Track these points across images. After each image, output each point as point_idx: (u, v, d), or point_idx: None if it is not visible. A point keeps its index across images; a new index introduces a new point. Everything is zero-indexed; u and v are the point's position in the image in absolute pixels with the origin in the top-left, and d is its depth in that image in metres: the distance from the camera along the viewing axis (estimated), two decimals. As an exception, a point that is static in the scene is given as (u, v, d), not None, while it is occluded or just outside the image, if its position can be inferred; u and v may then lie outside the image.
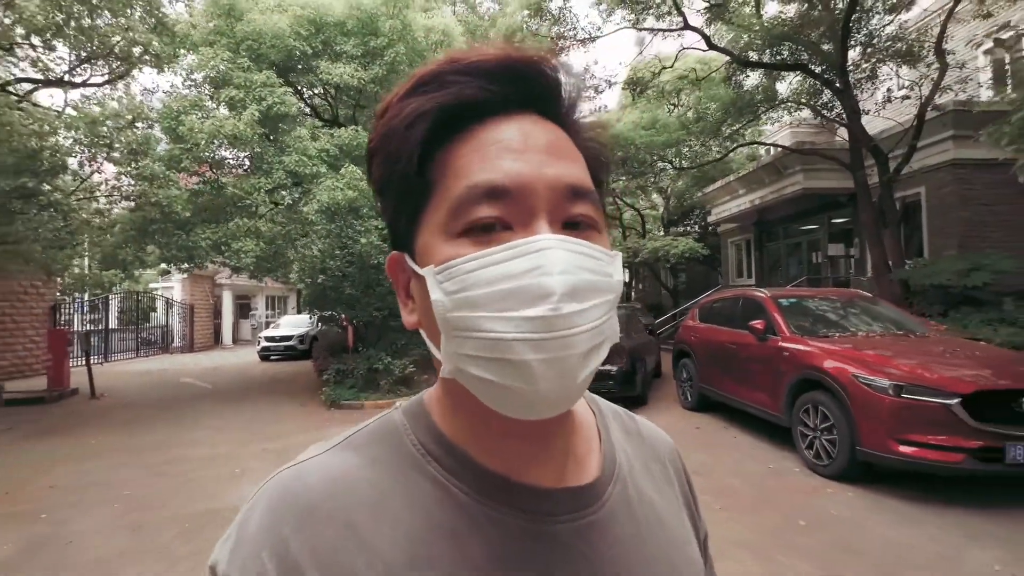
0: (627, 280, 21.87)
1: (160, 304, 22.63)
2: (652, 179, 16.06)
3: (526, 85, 0.40)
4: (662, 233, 19.65)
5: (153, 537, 3.65)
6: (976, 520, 3.45)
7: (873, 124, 11.21)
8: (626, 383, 6.99)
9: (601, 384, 6.80)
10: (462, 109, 0.39)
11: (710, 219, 18.10)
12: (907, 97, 10.17)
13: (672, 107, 13.02)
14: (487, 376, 0.36)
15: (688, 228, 20.49)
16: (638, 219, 20.84)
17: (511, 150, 0.38)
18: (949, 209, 10.35)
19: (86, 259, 11.91)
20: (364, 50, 9.52)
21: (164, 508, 4.21)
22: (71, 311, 16.97)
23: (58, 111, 7.03)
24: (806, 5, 9.63)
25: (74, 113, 7.24)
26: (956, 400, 3.50)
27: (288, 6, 9.10)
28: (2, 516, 4.06)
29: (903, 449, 3.63)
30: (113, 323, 19.37)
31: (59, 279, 12.30)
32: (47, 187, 6.69)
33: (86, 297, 17.27)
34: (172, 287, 22.63)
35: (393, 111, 0.40)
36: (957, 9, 9.30)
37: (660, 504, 0.49)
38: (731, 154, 14.40)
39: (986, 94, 11.89)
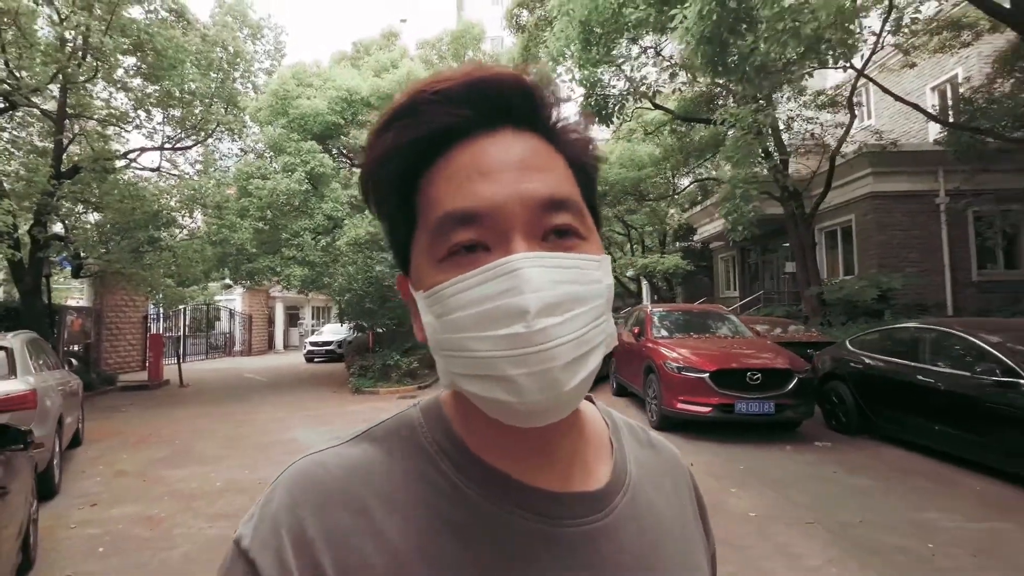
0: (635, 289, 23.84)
1: (224, 314, 26.41)
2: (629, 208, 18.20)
3: (494, 102, 0.40)
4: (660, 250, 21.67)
5: (241, 451, 6.38)
6: (722, 447, 5.67)
7: (811, 162, 13.07)
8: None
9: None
10: (434, 138, 0.39)
11: (696, 237, 20.02)
12: (821, 144, 12.07)
13: (643, 141, 15.15)
14: (478, 392, 0.38)
15: (691, 244, 22.40)
16: (634, 236, 22.84)
17: (481, 173, 0.39)
18: (871, 234, 12.15)
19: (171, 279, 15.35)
20: (383, 119, 12.39)
21: (245, 440, 6.96)
22: (157, 321, 20.68)
23: (175, 181, 10.13)
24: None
25: (177, 180, 10.36)
26: (707, 375, 5.76)
27: (327, 90, 12.10)
28: (155, 443, 6.91)
29: (680, 406, 5.90)
30: (181, 330, 23.13)
31: (148, 294, 15.69)
32: (163, 235, 9.76)
33: (159, 309, 20.86)
34: (234, 299, 26.41)
35: (372, 146, 0.42)
36: (885, 62, 11.19)
37: (669, 517, 0.49)
38: (692, 185, 16.42)
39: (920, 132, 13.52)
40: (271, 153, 12.19)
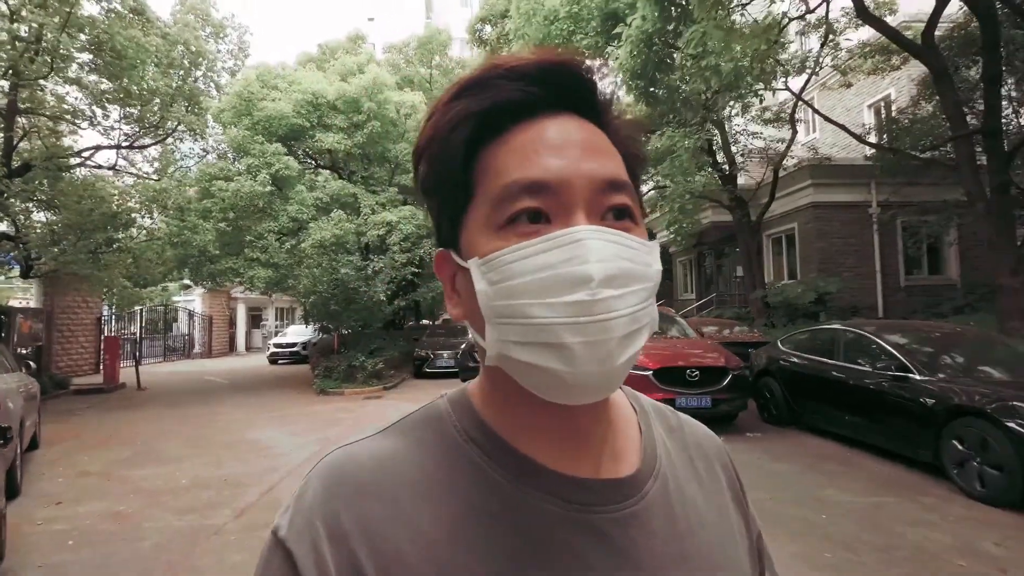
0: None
1: (182, 315, 25.72)
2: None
3: (564, 86, 0.41)
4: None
5: (205, 450, 6.49)
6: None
7: (759, 172, 13.94)
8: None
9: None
10: (503, 111, 0.41)
11: (658, 241, 20.81)
12: (766, 157, 12.91)
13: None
14: (530, 360, 0.38)
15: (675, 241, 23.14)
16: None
17: (550, 147, 0.39)
18: (811, 241, 13.05)
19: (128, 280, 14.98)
20: (349, 123, 12.53)
21: (208, 440, 7.06)
22: (111, 322, 20.02)
23: (135, 180, 10.04)
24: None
25: (136, 180, 10.26)
26: (651, 372, 6.25)
27: (292, 92, 12.14)
28: (116, 444, 6.92)
29: (627, 401, 6.38)
30: (137, 332, 22.43)
31: (103, 295, 15.24)
32: (121, 236, 9.65)
33: (112, 311, 20.22)
34: (193, 300, 25.75)
35: (438, 115, 0.42)
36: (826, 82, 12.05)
37: (703, 502, 0.49)
38: (651, 192, 17.18)
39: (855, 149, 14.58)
40: (234, 154, 12.14)
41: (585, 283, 0.36)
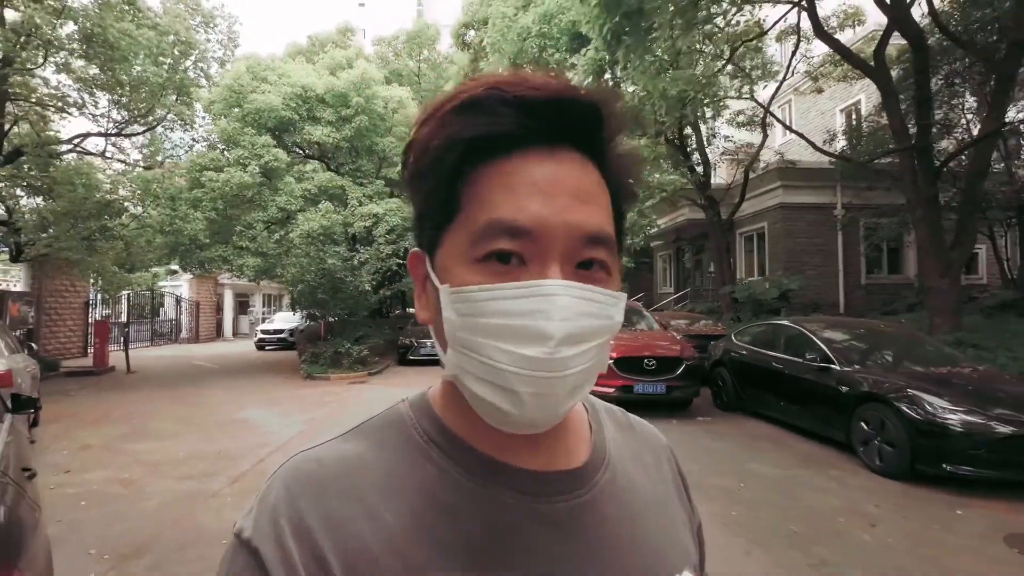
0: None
1: (169, 301, 25.87)
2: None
3: (566, 120, 0.41)
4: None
5: (198, 428, 6.97)
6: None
7: (733, 174, 14.56)
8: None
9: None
10: (497, 139, 0.40)
11: (637, 238, 21.47)
12: (736, 159, 13.51)
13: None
14: (482, 394, 0.40)
15: (633, 242, 23.81)
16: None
17: (538, 192, 0.39)
18: (779, 240, 13.72)
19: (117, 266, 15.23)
20: (337, 116, 12.86)
21: (200, 419, 7.53)
22: (97, 307, 20.19)
23: (125, 168, 10.33)
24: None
25: (127, 168, 10.56)
26: (611, 361, 6.84)
27: (282, 85, 12.44)
28: (112, 422, 7.36)
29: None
30: (123, 317, 22.61)
31: (92, 280, 15.44)
32: (115, 224, 9.97)
33: (99, 295, 20.40)
34: (180, 286, 25.90)
35: (431, 129, 0.42)
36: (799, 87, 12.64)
37: (650, 492, 0.52)
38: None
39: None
40: (223, 145, 12.43)
41: (545, 340, 0.37)
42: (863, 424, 4.81)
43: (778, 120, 11.55)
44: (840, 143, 12.43)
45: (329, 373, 11.52)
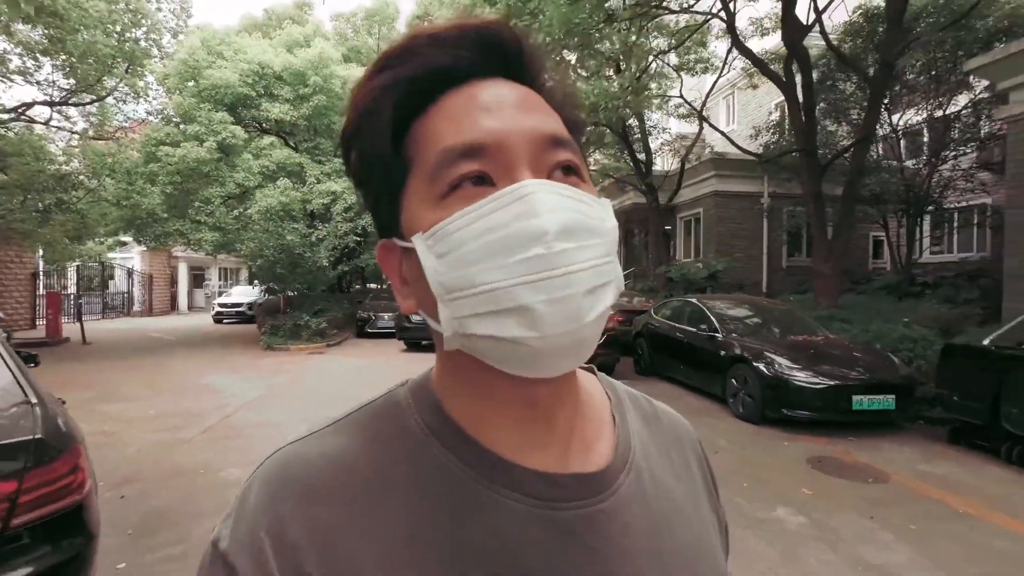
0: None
1: (120, 273, 25.34)
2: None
3: (493, 50, 0.39)
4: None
5: (164, 392, 7.56)
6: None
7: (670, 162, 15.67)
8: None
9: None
10: (430, 79, 0.38)
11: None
12: (673, 149, 14.60)
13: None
14: (490, 332, 0.35)
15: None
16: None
17: (484, 109, 0.37)
18: (712, 225, 14.99)
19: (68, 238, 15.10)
20: (295, 94, 13.11)
21: (165, 384, 8.10)
22: (44, 277, 19.76)
23: (78, 141, 10.40)
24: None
25: (83, 143, 10.64)
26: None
27: (238, 62, 12.57)
28: (78, 387, 7.83)
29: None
30: (72, 288, 22.15)
31: (39, 251, 15.23)
32: (69, 197, 10.10)
33: (41, 266, 19.95)
34: (132, 258, 25.36)
35: (361, 93, 0.40)
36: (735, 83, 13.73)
37: (678, 493, 0.47)
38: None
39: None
40: (178, 119, 12.53)
41: (540, 237, 0.34)
42: (733, 381, 5.95)
43: (701, 117, 12.57)
44: (764, 137, 13.61)
45: (288, 344, 12.10)
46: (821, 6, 8.25)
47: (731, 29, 8.85)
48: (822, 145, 11.89)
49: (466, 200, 0.37)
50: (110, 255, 26.41)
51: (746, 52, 8.94)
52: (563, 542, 0.39)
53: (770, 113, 15.92)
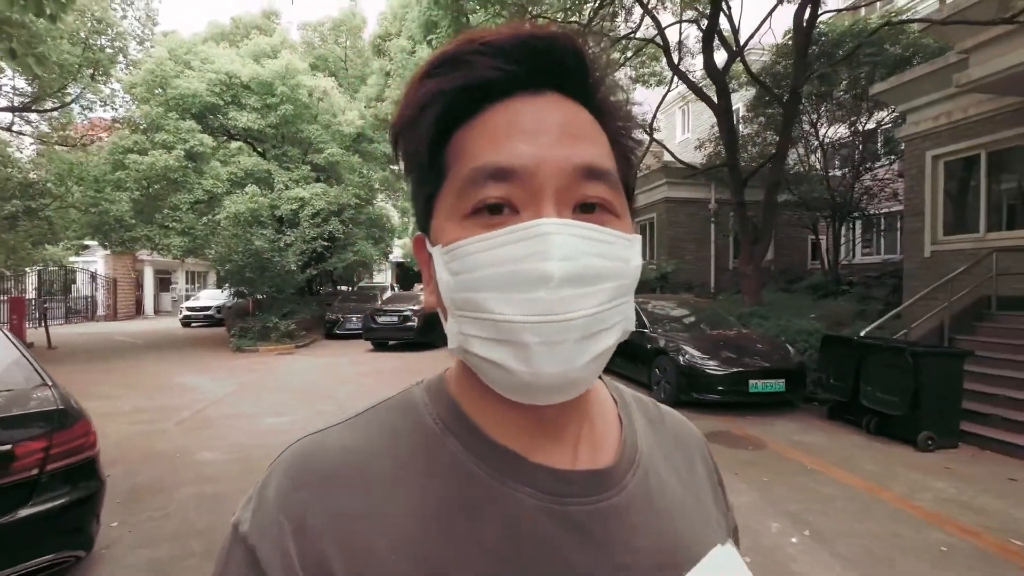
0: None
1: (83, 277, 24.99)
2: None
3: (545, 63, 0.39)
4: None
5: (137, 391, 7.98)
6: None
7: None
8: (423, 333, 11.83)
9: (403, 332, 11.61)
10: (476, 90, 0.38)
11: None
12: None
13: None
14: (488, 356, 0.37)
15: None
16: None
17: (521, 131, 0.37)
18: (664, 229, 16.00)
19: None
20: (262, 104, 13.52)
21: (138, 384, 8.51)
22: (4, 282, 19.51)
23: (45, 149, 10.62)
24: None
25: (49, 151, 10.88)
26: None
27: (205, 72, 12.93)
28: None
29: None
30: (31, 293, 21.82)
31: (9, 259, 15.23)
32: (35, 204, 10.33)
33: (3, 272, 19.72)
34: (95, 262, 25.04)
35: (410, 93, 0.40)
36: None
37: (683, 494, 0.48)
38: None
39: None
40: (145, 127, 12.81)
41: (545, 281, 0.35)
42: (656, 370, 6.78)
43: (649, 131, 13.52)
44: (708, 148, 14.68)
45: (258, 345, 12.51)
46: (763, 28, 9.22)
47: (667, 54, 9.76)
48: (762, 156, 13.05)
49: (485, 227, 0.38)
50: (72, 259, 26.07)
51: (681, 75, 9.85)
52: (573, 536, 0.40)
53: (712, 126, 17.02)
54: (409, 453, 0.42)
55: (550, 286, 0.35)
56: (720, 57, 10.89)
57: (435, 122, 0.39)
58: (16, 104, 12.15)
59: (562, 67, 0.40)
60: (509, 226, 0.37)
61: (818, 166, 13.34)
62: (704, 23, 9.71)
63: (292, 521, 0.39)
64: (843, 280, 12.91)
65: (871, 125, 12.36)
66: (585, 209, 0.39)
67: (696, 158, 17.92)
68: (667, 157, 15.92)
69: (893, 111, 11.57)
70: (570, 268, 0.36)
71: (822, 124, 12.90)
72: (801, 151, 13.65)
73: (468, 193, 0.38)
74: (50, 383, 2.81)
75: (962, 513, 3.55)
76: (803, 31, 8.26)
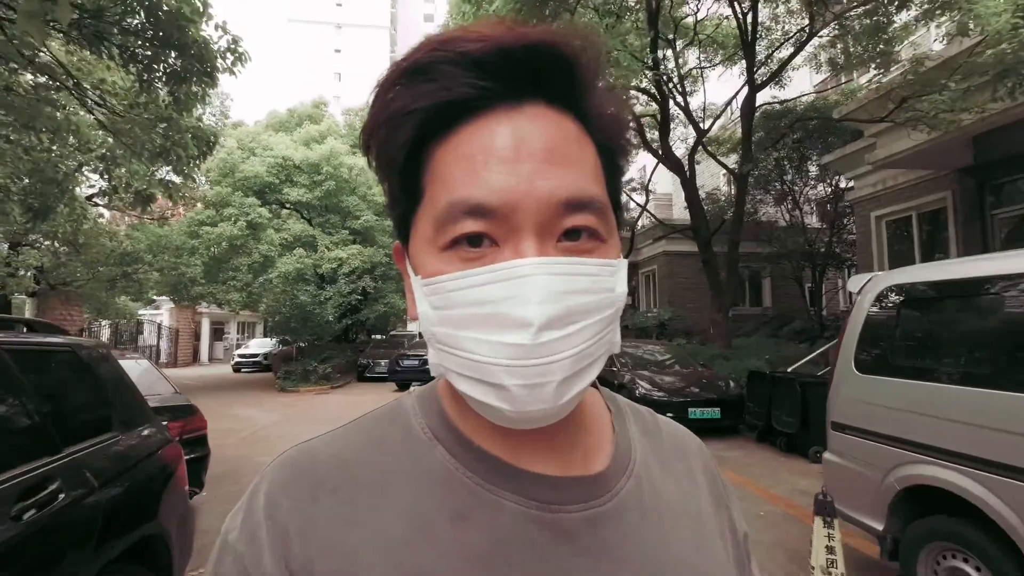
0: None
1: (150, 328, 28.12)
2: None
3: (526, 73, 0.36)
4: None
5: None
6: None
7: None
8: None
9: (423, 374, 13.28)
10: (451, 108, 0.36)
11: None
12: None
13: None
14: (469, 393, 0.37)
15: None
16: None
17: (500, 160, 0.35)
18: (664, 280, 17.41)
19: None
20: (311, 181, 16.09)
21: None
22: (83, 334, 22.51)
23: (138, 223, 13.25)
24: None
25: (143, 225, 13.49)
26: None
27: (265, 156, 15.66)
28: (137, 417, 10.19)
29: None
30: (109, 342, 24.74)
31: (85, 309, 17.98)
32: (132, 270, 12.82)
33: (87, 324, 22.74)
34: (161, 314, 28.20)
35: (380, 102, 0.38)
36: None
37: (681, 503, 0.47)
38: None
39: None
40: (217, 204, 15.48)
41: (525, 327, 0.34)
42: (620, 402, 8.14)
43: (646, 191, 15.22)
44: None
45: (299, 386, 14.41)
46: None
47: (640, 133, 11.58)
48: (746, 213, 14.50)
49: (464, 261, 0.36)
50: (141, 312, 29.47)
51: (651, 150, 11.61)
52: (561, 544, 0.39)
53: (701, 186, 18.67)
54: (397, 461, 0.42)
55: (529, 331, 0.34)
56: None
57: (406, 144, 0.38)
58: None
59: (546, 76, 0.37)
60: (487, 264, 0.36)
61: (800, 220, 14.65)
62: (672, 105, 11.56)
63: (279, 527, 0.39)
64: (828, 325, 13.88)
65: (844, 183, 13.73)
66: (570, 236, 0.37)
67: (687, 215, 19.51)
68: (663, 214, 17.57)
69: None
70: (550, 312, 0.34)
71: (796, 183, 14.32)
72: (789, 205, 15.04)
73: (446, 227, 0.37)
74: (178, 391, 4.58)
75: (797, 496, 4.80)
76: (748, 116, 9.94)
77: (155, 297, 21.42)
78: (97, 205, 15.05)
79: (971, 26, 5.36)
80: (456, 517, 0.39)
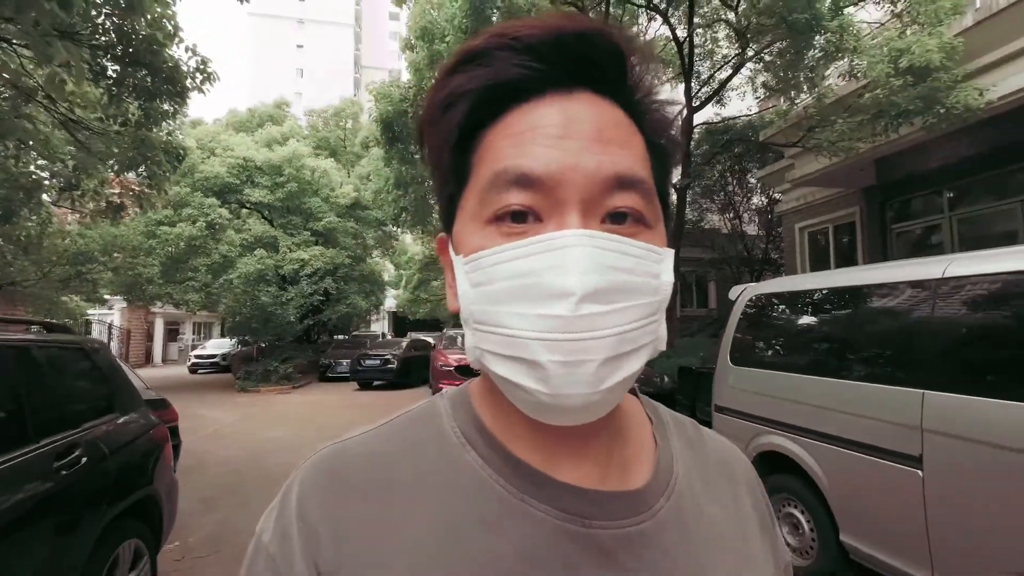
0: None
1: (98, 328, 27.18)
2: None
3: (577, 60, 0.37)
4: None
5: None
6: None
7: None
8: (401, 374, 13.90)
9: (384, 373, 13.69)
10: (502, 90, 0.37)
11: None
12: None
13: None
14: (505, 374, 0.36)
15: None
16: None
17: (548, 136, 0.36)
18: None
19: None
20: (273, 183, 16.19)
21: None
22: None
23: (90, 223, 13.11)
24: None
25: (97, 226, 13.34)
26: (453, 367, 10.64)
27: (226, 157, 15.67)
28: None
29: (440, 385, 10.73)
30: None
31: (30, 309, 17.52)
32: (86, 269, 12.69)
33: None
34: (112, 314, 27.30)
35: (436, 90, 0.39)
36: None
37: (724, 524, 0.45)
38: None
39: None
40: (174, 204, 15.39)
41: (565, 297, 0.33)
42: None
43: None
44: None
45: (260, 386, 14.53)
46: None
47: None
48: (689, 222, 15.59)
49: (507, 236, 0.36)
50: (91, 312, 28.41)
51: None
52: (596, 560, 0.38)
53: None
54: (429, 464, 0.42)
55: (569, 302, 0.33)
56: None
57: (459, 125, 0.38)
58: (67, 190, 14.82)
59: (597, 65, 0.38)
60: (530, 236, 0.35)
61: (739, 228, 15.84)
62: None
63: (310, 529, 0.39)
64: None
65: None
66: (615, 219, 0.37)
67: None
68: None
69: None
70: (593, 283, 0.33)
71: (738, 194, 15.49)
72: (730, 214, 16.21)
73: (490, 198, 0.37)
74: (149, 387, 4.96)
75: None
76: (687, 135, 10.84)
77: (108, 296, 20.97)
78: (60, 206, 14.77)
79: (856, 72, 6.30)
80: (485, 523, 0.39)
